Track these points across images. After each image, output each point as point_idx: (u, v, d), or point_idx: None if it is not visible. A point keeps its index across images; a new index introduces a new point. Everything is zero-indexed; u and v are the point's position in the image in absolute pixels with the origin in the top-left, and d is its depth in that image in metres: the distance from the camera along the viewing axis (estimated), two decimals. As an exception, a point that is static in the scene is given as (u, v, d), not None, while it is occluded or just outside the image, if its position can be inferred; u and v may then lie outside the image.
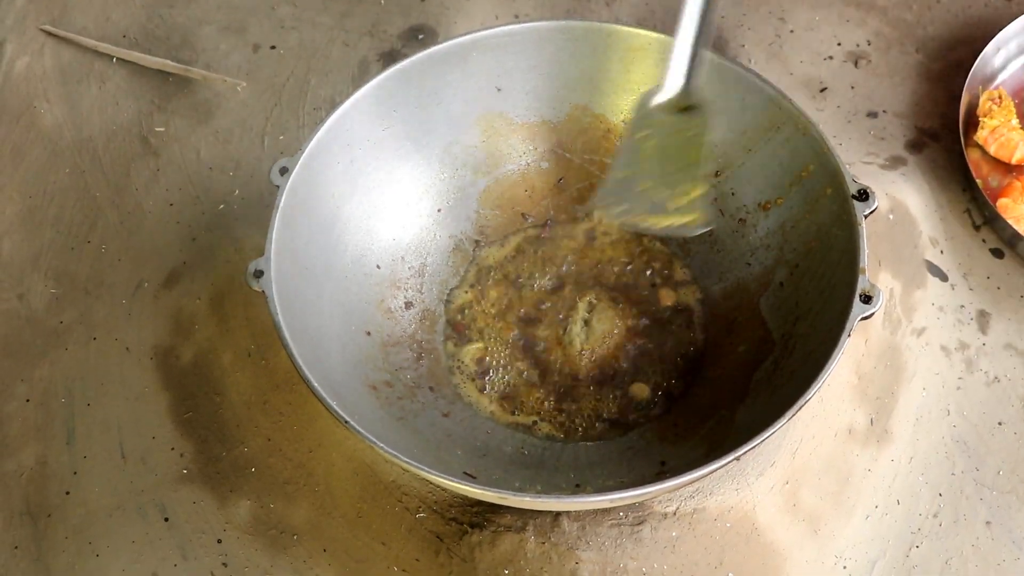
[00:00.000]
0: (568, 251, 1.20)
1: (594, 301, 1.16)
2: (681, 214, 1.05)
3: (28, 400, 1.16)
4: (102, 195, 1.30)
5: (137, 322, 1.20)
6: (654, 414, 1.10)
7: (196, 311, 1.20)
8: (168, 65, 1.39)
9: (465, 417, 1.10)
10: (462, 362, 1.14)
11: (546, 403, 1.11)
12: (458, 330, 1.16)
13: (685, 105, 1.07)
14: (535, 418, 1.10)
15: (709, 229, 1.10)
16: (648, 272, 1.18)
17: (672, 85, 1.06)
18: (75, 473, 1.12)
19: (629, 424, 1.10)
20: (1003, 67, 1.35)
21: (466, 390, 1.12)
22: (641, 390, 1.11)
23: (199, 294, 1.21)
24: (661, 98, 1.06)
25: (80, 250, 1.26)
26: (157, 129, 1.35)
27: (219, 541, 1.08)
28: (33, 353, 1.19)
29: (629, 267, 1.19)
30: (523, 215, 1.22)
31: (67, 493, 1.11)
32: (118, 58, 1.41)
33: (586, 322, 1.13)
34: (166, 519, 1.09)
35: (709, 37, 1.04)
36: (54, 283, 1.24)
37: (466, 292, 1.18)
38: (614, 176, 1.08)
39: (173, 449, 1.12)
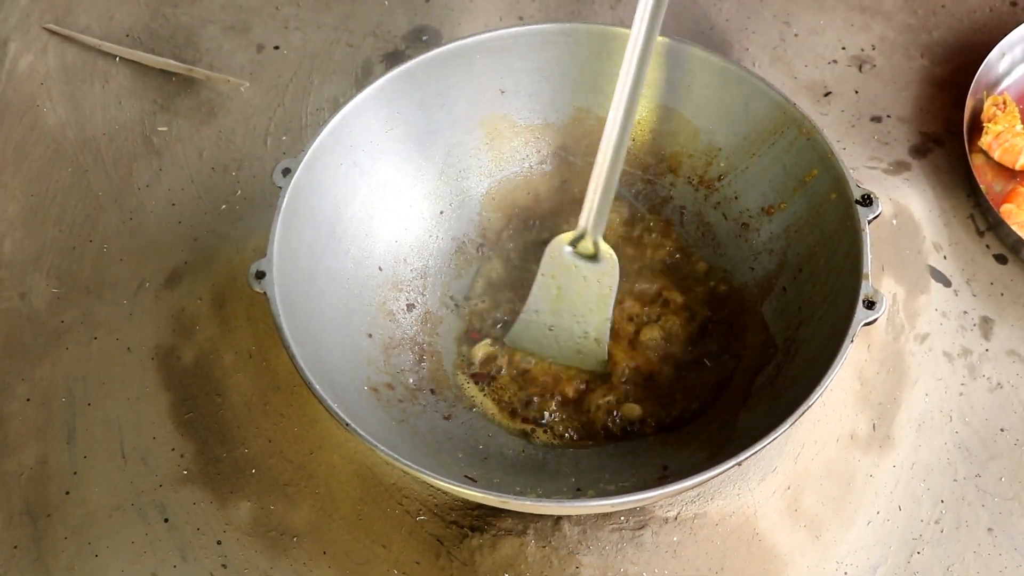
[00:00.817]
0: None
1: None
2: (583, 358, 1.13)
3: (29, 400, 1.16)
4: (104, 194, 1.30)
5: (138, 322, 1.20)
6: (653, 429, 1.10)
7: (197, 311, 1.20)
8: (171, 65, 1.39)
9: (466, 420, 1.10)
10: (472, 362, 1.14)
11: (550, 410, 1.11)
12: (473, 337, 1.16)
13: (592, 253, 1.12)
14: (534, 426, 1.10)
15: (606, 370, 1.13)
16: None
17: (581, 229, 1.11)
18: (75, 473, 1.12)
19: (632, 433, 1.10)
20: (1008, 72, 1.35)
21: (469, 391, 1.12)
22: (632, 410, 1.10)
23: (201, 294, 1.21)
24: (572, 242, 1.12)
25: (82, 249, 1.26)
26: (160, 129, 1.35)
27: (219, 543, 1.08)
28: (34, 352, 1.19)
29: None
30: (527, 222, 1.22)
31: (67, 493, 1.11)
32: (121, 57, 1.41)
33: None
34: (166, 520, 1.09)
35: (612, 189, 1.09)
36: (56, 282, 1.24)
37: (482, 302, 1.18)
38: (526, 313, 1.13)
39: (174, 450, 1.12)
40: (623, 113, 1.07)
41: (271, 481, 1.10)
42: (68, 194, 1.30)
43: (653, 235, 1.19)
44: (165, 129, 1.35)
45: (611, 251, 1.11)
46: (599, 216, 1.10)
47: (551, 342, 1.13)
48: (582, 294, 1.12)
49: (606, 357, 1.13)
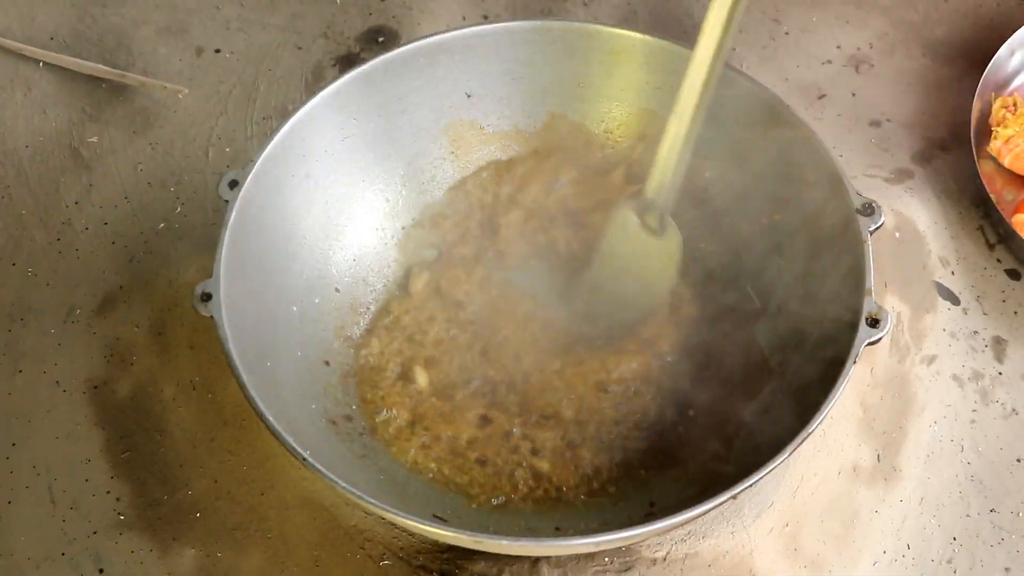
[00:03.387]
0: None
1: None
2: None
3: (-55, 440, 1.16)
4: (28, 213, 1.30)
5: (68, 353, 1.20)
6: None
7: (134, 340, 1.20)
8: (101, 70, 1.40)
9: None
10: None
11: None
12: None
13: (655, 226, 1.13)
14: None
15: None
16: None
17: (648, 199, 1.12)
18: (-1, 520, 1.12)
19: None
20: (1018, 71, 1.37)
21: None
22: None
23: (137, 321, 1.21)
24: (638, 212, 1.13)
25: (4, 274, 1.26)
26: (90, 140, 1.36)
27: (161, 595, 1.08)
28: (-48, 388, 1.19)
29: None
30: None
31: (-10, 543, 1.11)
32: (45, 62, 1.42)
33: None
34: (101, 571, 1.09)
35: (691, 147, 1.08)
36: (-25, 310, 1.24)
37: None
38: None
39: (109, 493, 1.12)
40: (717, 39, 1.02)
41: (218, 525, 1.10)
42: (-13, 213, 1.31)
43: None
44: (95, 140, 1.36)
45: (676, 227, 1.12)
46: (673, 181, 1.09)
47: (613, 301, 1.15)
48: (640, 272, 1.14)
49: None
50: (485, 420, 1.11)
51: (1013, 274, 1.25)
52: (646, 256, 1.14)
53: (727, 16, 1.00)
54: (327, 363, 1.11)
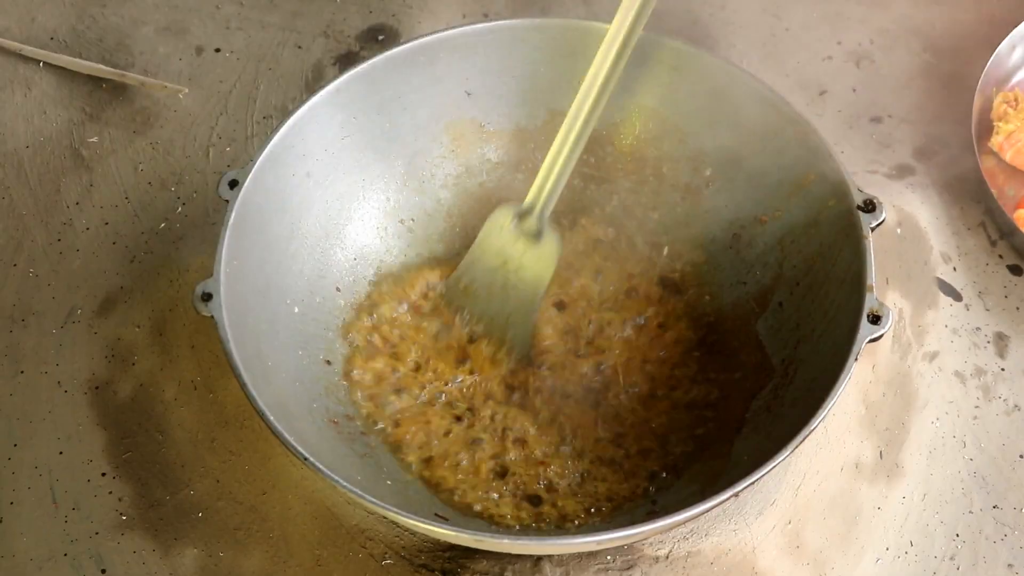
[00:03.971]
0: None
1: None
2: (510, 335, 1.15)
3: (-53, 441, 1.17)
4: (29, 214, 1.30)
5: (69, 354, 1.20)
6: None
7: (135, 340, 1.20)
8: (101, 70, 1.40)
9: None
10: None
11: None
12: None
13: (535, 231, 1.15)
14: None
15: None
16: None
17: (528, 204, 1.15)
18: (0, 520, 1.12)
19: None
20: (1020, 66, 1.37)
21: None
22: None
23: (138, 321, 1.21)
24: (517, 215, 1.15)
25: (5, 275, 1.26)
26: (90, 140, 1.36)
27: (163, 595, 1.08)
28: (-47, 389, 1.19)
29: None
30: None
31: (-8, 543, 1.11)
32: (45, 62, 1.42)
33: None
34: (103, 571, 1.09)
35: (572, 164, 1.12)
36: (-24, 312, 1.24)
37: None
38: (459, 273, 1.17)
39: (111, 493, 1.13)
40: (605, 71, 1.09)
41: (219, 525, 1.10)
42: (-12, 214, 1.31)
43: (637, 250, 1.21)
44: (95, 140, 1.36)
45: (556, 235, 1.14)
46: (552, 193, 1.13)
47: (483, 304, 1.16)
48: (517, 274, 1.15)
49: (530, 341, 1.15)
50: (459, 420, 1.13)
51: (1015, 270, 1.25)
52: (517, 260, 1.15)
53: (618, 49, 1.08)
54: (328, 362, 1.12)
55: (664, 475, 1.08)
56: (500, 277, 1.15)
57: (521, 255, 1.15)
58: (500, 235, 1.15)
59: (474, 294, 1.16)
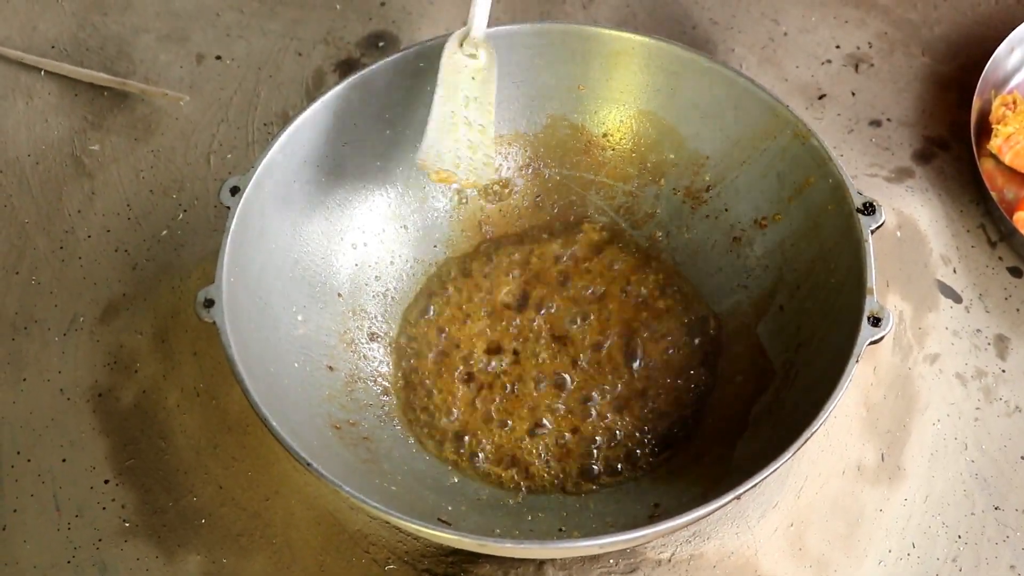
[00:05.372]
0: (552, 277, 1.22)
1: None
2: (473, 163, 1.14)
3: (-49, 449, 1.16)
4: (31, 222, 1.30)
5: (72, 361, 1.20)
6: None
7: (138, 347, 1.20)
8: (102, 78, 1.40)
9: (437, 459, 1.11)
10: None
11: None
12: None
13: (474, 52, 1.16)
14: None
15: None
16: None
17: (466, 30, 1.15)
18: (3, 528, 1.12)
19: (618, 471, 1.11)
20: (1018, 69, 1.37)
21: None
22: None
23: (141, 328, 1.21)
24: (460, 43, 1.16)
25: (7, 282, 1.26)
26: (91, 148, 1.36)
27: (166, 601, 1.08)
28: (-45, 397, 1.19)
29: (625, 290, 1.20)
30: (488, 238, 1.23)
31: (-5, 551, 1.11)
32: (46, 71, 1.42)
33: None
34: (107, 578, 1.09)
35: None
36: (-22, 319, 1.24)
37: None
38: (432, 123, 1.14)
39: (114, 500, 1.13)
40: None
41: (223, 532, 1.10)
42: (-10, 222, 1.31)
43: (637, 253, 1.21)
44: (97, 148, 1.36)
45: (491, 49, 1.15)
46: (481, 12, 1.14)
47: (451, 148, 1.14)
48: (471, 91, 1.15)
49: (493, 156, 1.16)
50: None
51: (1015, 271, 1.25)
52: (469, 75, 1.14)
53: None
54: (331, 368, 1.11)
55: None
56: (460, 117, 1.15)
57: (471, 74, 1.15)
58: (452, 62, 1.15)
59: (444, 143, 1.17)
